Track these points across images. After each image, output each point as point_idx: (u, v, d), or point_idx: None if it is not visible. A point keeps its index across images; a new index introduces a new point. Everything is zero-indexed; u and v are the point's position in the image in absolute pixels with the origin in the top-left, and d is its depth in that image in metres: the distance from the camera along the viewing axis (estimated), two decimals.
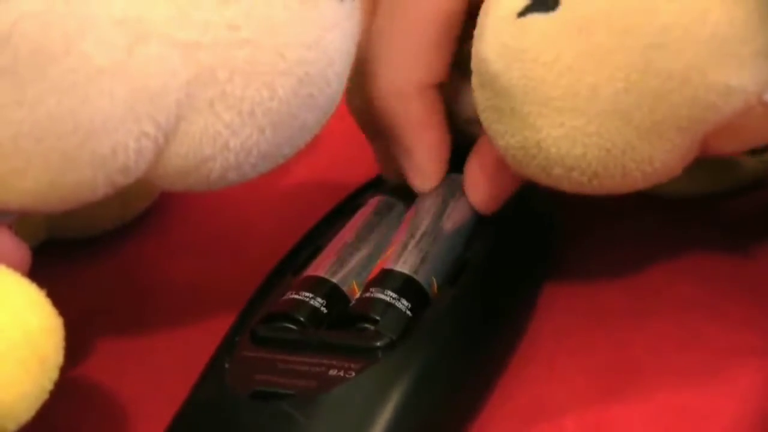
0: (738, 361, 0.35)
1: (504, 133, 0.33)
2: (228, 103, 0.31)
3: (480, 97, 0.34)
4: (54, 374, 0.29)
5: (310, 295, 0.34)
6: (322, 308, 0.34)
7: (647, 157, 0.31)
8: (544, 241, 0.40)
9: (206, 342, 0.35)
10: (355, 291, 0.35)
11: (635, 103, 0.30)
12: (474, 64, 0.34)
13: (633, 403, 0.34)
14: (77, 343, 0.30)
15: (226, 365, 0.33)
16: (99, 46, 0.29)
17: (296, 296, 0.35)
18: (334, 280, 0.35)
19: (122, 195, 0.33)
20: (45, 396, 0.29)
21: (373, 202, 0.39)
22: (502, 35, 0.32)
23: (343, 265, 0.36)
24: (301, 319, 0.34)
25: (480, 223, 0.37)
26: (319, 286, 0.35)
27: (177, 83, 0.30)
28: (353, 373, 0.32)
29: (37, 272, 0.31)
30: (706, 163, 0.35)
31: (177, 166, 0.32)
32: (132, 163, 0.31)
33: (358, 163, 0.42)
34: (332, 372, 0.32)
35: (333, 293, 0.35)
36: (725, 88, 0.30)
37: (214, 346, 0.35)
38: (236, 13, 0.31)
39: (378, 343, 0.32)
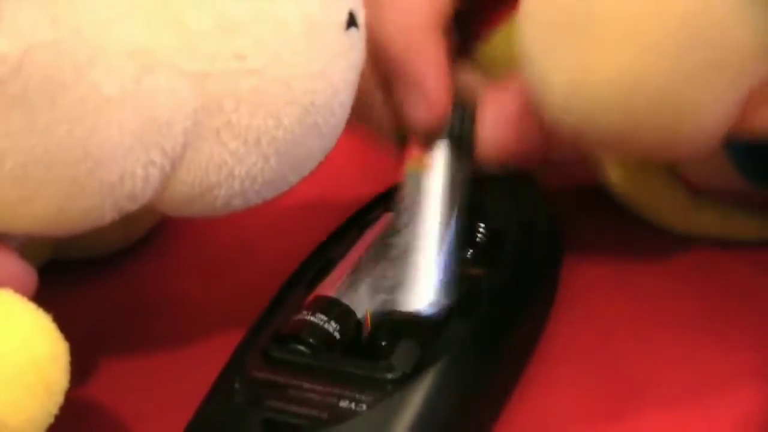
0: (739, 382, 0.36)
1: (555, 66, 0.33)
2: (234, 132, 0.32)
3: (529, 34, 0.34)
4: (59, 399, 0.29)
5: (325, 318, 0.34)
6: (336, 333, 0.34)
7: (695, 102, 0.32)
8: (551, 265, 0.40)
9: (211, 361, 0.35)
10: (367, 315, 0.35)
11: (692, 39, 0.31)
12: None
13: (634, 424, 0.35)
14: (81, 362, 0.31)
15: (236, 385, 0.34)
16: (108, 75, 0.29)
17: (311, 318, 0.34)
18: (349, 303, 0.35)
19: (126, 217, 0.33)
20: (50, 421, 0.29)
21: (386, 218, 0.39)
22: None
23: (358, 288, 0.36)
24: (314, 342, 0.34)
25: (490, 249, 0.37)
26: (334, 309, 0.35)
27: (184, 112, 0.31)
28: (364, 407, 0.32)
29: (41, 292, 0.32)
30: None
31: (183, 193, 0.32)
32: (139, 190, 0.31)
33: (362, 182, 0.43)
34: (343, 404, 0.32)
35: (347, 317, 0.35)
36: None
37: (219, 365, 0.35)
38: (243, 44, 0.31)
39: (389, 376, 0.33)
